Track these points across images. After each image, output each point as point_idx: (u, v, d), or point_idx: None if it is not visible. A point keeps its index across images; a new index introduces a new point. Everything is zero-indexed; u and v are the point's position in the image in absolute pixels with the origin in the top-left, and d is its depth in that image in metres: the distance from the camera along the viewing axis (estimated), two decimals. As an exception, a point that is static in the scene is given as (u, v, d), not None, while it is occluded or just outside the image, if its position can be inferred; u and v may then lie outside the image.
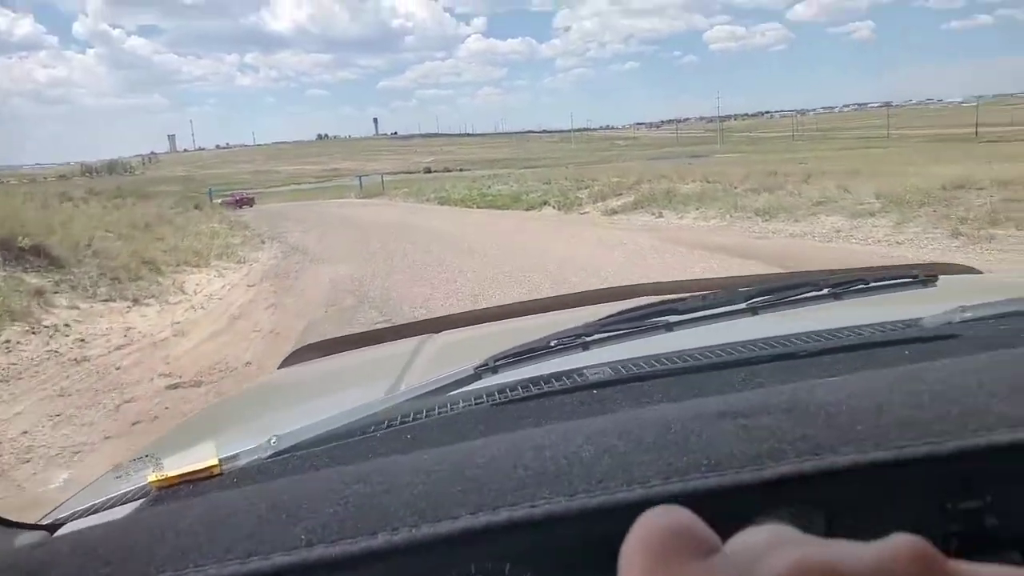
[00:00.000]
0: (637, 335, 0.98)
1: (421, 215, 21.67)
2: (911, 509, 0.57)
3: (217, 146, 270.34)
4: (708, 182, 17.33)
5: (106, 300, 8.67)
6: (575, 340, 0.96)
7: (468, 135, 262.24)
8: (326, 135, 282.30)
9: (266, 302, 9.14)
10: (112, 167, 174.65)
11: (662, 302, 1.07)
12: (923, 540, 0.22)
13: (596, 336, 0.97)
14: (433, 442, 0.76)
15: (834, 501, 0.56)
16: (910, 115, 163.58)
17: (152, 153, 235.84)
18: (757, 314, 1.01)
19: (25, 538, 0.72)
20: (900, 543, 0.21)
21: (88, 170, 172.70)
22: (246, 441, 0.85)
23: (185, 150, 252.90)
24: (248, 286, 10.61)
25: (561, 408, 0.85)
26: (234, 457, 0.81)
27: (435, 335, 1.68)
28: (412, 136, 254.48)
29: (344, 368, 1.76)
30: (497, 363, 0.94)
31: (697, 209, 13.86)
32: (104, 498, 0.87)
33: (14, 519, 0.74)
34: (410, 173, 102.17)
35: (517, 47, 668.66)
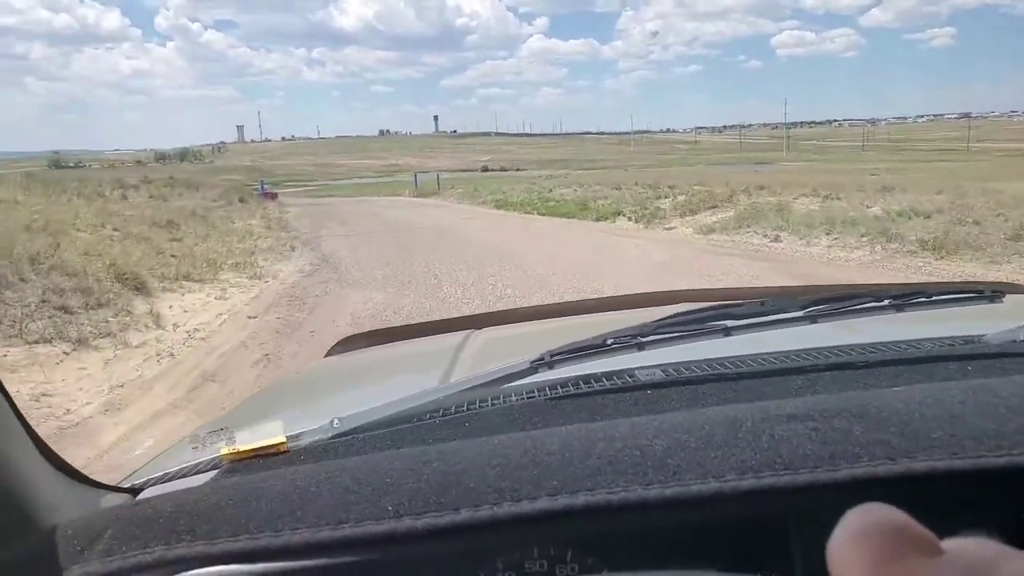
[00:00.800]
0: (693, 338, 0.96)
1: (477, 222, 18.98)
2: (986, 520, 0.53)
3: (283, 138, 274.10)
4: (824, 196, 14.22)
5: (36, 342, 6.15)
6: (631, 340, 0.95)
7: (526, 135, 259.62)
8: (388, 131, 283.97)
9: (260, 350, 6.51)
10: (184, 155, 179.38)
11: (718, 306, 1.04)
12: None
13: (652, 337, 0.96)
14: (491, 431, 0.75)
15: (904, 508, 0.49)
16: (991, 128, 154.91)
17: (221, 142, 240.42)
18: (816, 322, 1.00)
19: (111, 499, 0.76)
20: None
21: (162, 157, 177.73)
22: (306, 422, 0.87)
23: (252, 140, 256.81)
24: (248, 317, 8.00)
25: (615, 407, 0.84)
26: (297, 436, 0.83)
27: (477, 331, 1.64)
28: (471, 134, 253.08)
29: (391, 358, 1.74)
30: (553, 358, 0.93)
31: (828, 234, 10.77)
32: (179, 466, 0.88)
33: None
34: (467, 171, 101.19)
35: (579, 48, 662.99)
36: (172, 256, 11.60)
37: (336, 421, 0.84)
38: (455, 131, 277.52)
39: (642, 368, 0.95)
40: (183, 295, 8.97)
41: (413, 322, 1.85)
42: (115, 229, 13.07)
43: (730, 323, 0.97)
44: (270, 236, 16.29)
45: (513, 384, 0.92)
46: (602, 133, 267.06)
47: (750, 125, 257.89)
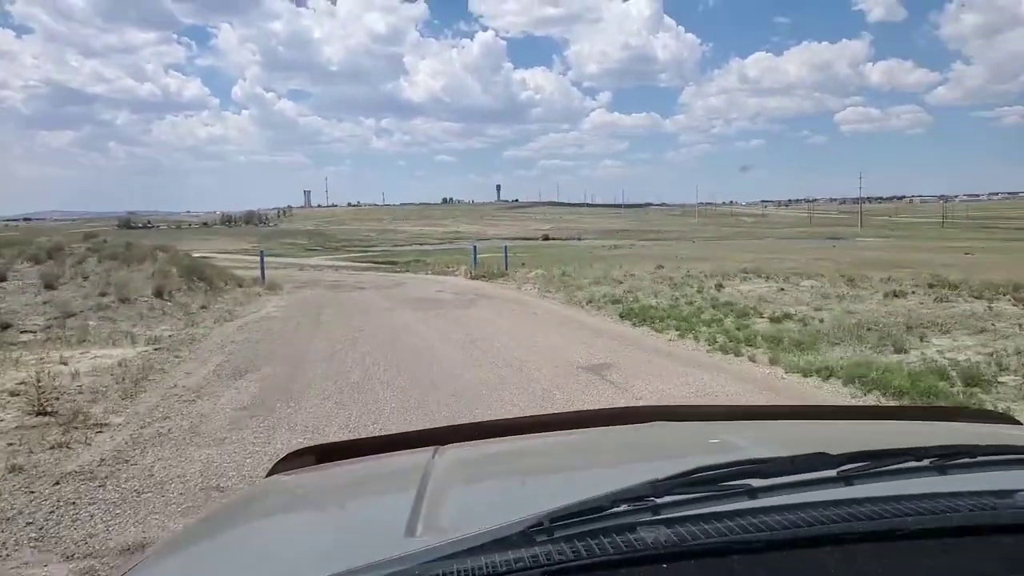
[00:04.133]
0: (713, 501, 0.83)
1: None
2: None
3: (349, 203, 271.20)
4: None
5: None
6: (643, 503, 0.82)
7: (587, 205, 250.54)
8: (451, 199, 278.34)
9: None
10: (249, 218, 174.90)
11: (741, 463, 0.90)
12: None
13: (667, 499, 0.83)
14: None
15: None
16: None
17: (288, 206, 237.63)
18: (851, 485, 0.87)
19: None
20: None
21: (228, 219, 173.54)
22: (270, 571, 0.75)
23: (319, 205, 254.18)
24: None
25: None
26: None
27: (441, 449, 1.42)
28: (533, 204, 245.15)
29: (346, 482, 1.46)
30: (553, 524, 0.79)
31: None
32: None
33: None
34: (527, 239, 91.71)
35: (641, 121, 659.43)
36: None
37: None
38: (516, 200, 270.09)
39: (649, 524, 0.80)
40: None
41: (366, 436, 1.47)
42: None
43: (756, 483, 0.85)
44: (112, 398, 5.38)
45: (503, 554, 0.76)
46: (663, 204, 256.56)
47: (815, 200, 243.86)
